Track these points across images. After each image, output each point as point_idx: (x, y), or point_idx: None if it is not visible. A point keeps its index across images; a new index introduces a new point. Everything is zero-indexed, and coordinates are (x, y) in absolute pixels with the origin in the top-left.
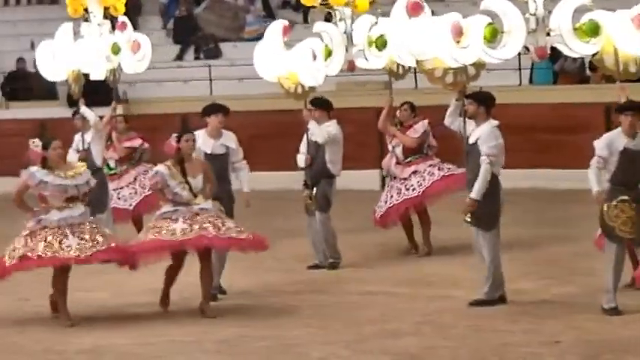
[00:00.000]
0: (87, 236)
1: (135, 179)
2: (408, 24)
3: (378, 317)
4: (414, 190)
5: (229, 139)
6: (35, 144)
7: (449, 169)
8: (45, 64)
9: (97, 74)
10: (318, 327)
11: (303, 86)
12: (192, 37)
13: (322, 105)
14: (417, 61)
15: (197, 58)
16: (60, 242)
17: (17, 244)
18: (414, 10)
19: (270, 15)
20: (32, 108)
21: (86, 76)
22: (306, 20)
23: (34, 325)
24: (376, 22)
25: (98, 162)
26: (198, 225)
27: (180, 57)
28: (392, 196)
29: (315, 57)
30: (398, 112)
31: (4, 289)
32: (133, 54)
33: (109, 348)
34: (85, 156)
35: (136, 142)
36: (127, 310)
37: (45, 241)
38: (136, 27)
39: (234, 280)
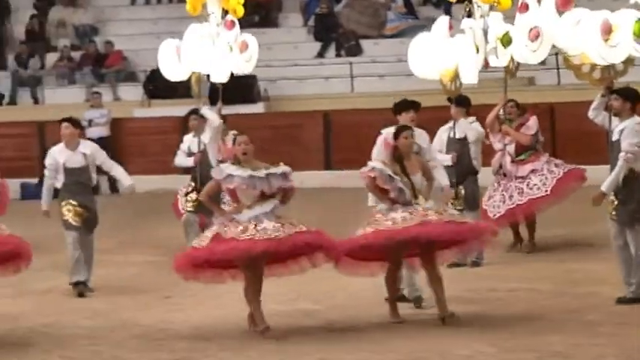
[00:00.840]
0: (282, 221)
1: None
2: (557, 19)
3: (523, 314)
4: (538, 189)
5: (422, 139)
6: (229, 139)
7: (564, 165)
8: (168, 64)
9: (219, 76)
10: (463, 324)
11: (458, 83)
12: (333, 34)
13: (464, 102)
14: (564, 58)
15: (338, 55)
16: (255, 226)
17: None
18: (564, 4)
19: (411, 12)
20: (173, 106)
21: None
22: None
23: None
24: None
25: (214, 164)
26: (419, 215)
27: (321, 54)
28: (512, 197)
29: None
30: (501, 111)
31: (149, 286)
32: (240, 54)
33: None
34: (202, 158)
35: None
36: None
37: (237, 228)
38: (276, 24)
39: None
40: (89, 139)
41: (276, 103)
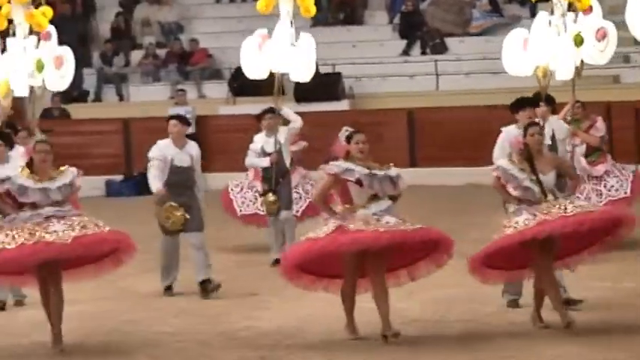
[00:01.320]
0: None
1: (297, 184)
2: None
3: (615, 314)
4: (617, 190)
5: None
6: (342, 136)
7: (623, 165)
8: (249, 62)
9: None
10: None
11: (549, 79)
12: (418, 32)
13: (551, 101)
14: None
15: (423, 53)
16: (378, 220)
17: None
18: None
19: (496, 10)
20: (258, 104)
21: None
22: (533, 15)
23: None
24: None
25: (288, 164)
26: (543, 215)
27: (406, 52)
28: (589, 198)
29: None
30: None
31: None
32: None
33: None
34: (277, 158)
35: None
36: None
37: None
38: (361, 22)
39: None
40: None
41: (361, 101)
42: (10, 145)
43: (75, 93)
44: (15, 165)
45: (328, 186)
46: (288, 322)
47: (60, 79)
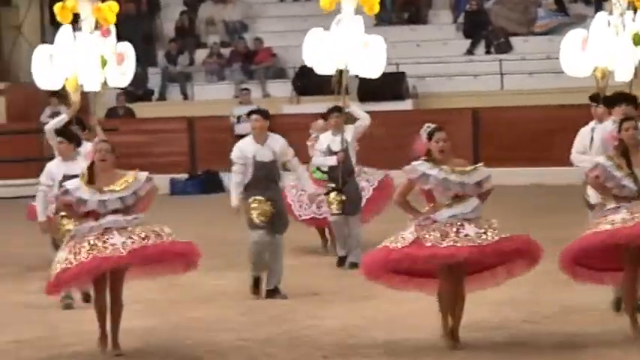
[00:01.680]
0: (485, 226)
1: None
2: None
3: None
4: None
5: None
6: (423, 133)
7: None
8: (312, 59)
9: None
10: None
11: (607, 80)
12: (482, 31)
13: (608, 102)
14: None
15: (488, 52)
16: (456, 232)
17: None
18: None
19: (561, 9)
20: (322, 102)
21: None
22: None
23: None
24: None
25: (354, 163)
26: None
27: (470, 51)
28: None
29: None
30: None
31: (297, 283)
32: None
33: None
34: (344, 157)
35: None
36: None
37: (437, 233)
38: (426, 21)
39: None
40: (238, 135)
41: (424, 100)
42: (78, 142)
43: (140, 92)
44: (82, 164)
45: (406, 189)
46: (352, 321)
47: (121, 75)
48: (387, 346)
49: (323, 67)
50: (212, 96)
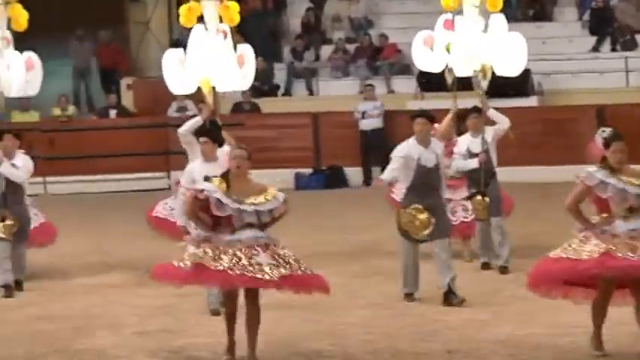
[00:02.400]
0: None
1: None
2: None
3: None
4: None
5: None
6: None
7: None
8: (420, 56)
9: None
10: None
11: None
12: (608, 28)
13: None
14: None
15: (613, 49)
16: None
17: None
18: None
19: None
20: (446, 99)
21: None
22: None
23: None
24: None
25: (495, 165)
26: None
27: (596, 48)
28: None
29: None
30: None
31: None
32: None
33: None
34: (485, 159)
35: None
36: None
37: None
38: (551, 18)
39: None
40: (362, 131)
41: (550, 97)
42: (221, 143)
43: (265, 87)
44: (221, 165)
45: (582, 196)
46: (477, 316)
47: (242, 79)
48: (511, 341)
49: (432, 66)
50: (337, 92)
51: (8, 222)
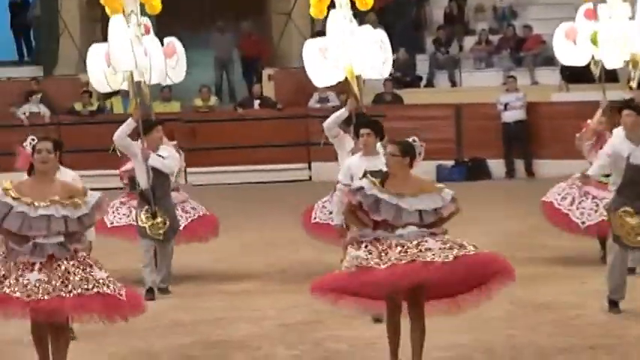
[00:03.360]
0: None
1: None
2: None
3: None
4: None
5: None
6: None
7: None
8: (563, 50)
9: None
10: None
11: None
12: None
13: None
14: None
15: None
16: None
17: None
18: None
19: None
20: (592, 91)
21: None
22: None
23: None
24: None
25: None
26: None
27: None
28: None
29: None
30: None
31: (564, 272)
32: None
33: None
34: None
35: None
36: None
37: None
38: None
39: None
40: (505, 123)
41: None
42: (381, 136)
43: (408, 78)
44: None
45: None
46: (620, 312)
47: (382, 65)
48: None
49: (576, 59)
50: (480, 83)
51: (159, 220)
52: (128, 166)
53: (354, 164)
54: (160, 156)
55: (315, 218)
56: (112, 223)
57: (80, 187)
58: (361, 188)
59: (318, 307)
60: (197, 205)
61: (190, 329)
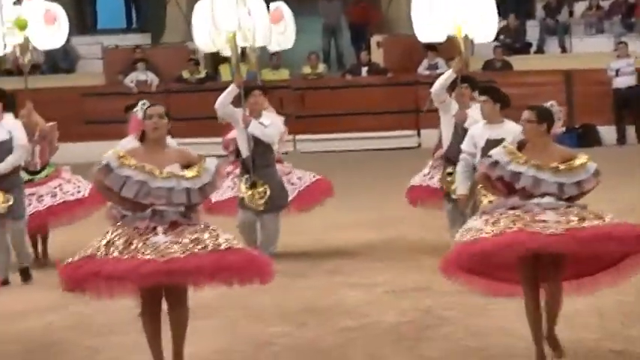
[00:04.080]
0: None
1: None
2: None
3: None
4: None
5: None
6: None
7: None
8: None
9: None
10: None
11: None
12: None
13: None
14: None
15: None
16: None
17: None
18: None
19: None
20: None
21: None
22: None
23: None
24: None
25: None
26: None
27: None
28: None
29: None
30: None
31: None
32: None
33: None
34: None
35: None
36: None
37: None
38: None
39: None
40: (616, 89)
41: None
42: (504, 102)
43: (517, 45)
44: (509, 127)
45: None
46: None
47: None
48: None
49: None
50: (590, 49)
51: (259, 189)
52: (232, 134)
53: (477, 133)
54: (261, 124)
55: (415, 183)
56: (215, 199)
57: (195, 154)
58: (496, 162)
59: (428, 274)
60: (303, 173)
61: (298, 295)
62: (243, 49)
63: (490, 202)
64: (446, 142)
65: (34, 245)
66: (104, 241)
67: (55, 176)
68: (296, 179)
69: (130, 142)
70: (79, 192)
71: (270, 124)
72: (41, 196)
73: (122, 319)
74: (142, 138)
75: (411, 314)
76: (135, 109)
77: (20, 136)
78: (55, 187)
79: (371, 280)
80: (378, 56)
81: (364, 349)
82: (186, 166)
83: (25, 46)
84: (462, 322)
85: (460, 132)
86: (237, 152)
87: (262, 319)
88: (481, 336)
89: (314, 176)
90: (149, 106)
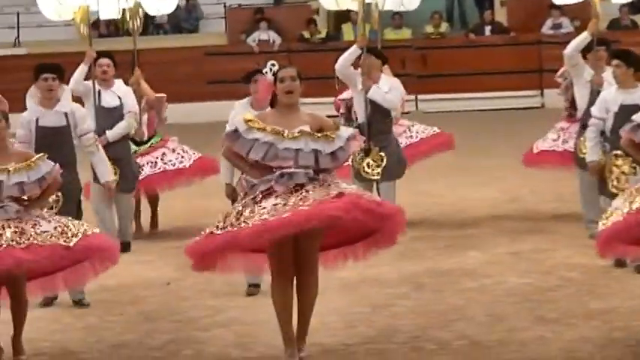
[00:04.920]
0: None
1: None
2: None
3: None
4: None
5: None
6: None
7: None
8: None
9: None
10: None
11: None
12: None
13: None
14: None
15: None
16: None
17: None
18: None
19: None
20: None
21: None
22: None
23: None
24: None
25: None
26: None
27: None
28: None
29: None
30: None
31: None
32: None
33: None
34: None
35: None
36: None
37: None
38: None
39: None
40: None
41: None
42: (636, 67)
43: None
44: None
45: None
46: None
47: None
48: None
49: None
50: None
51: (374, 156)
52: (345, 94)
53: (609, 98)
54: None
55: (537, 148)
56: None
57: (330, 121)
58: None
59: (550, 235)
60: (421, 129)
61: (418, 255)
62: (368, 5)
63: (623, 172)
64: (580, 107)
65: (136, 217)
66: (234, 212)
67: (160, 146)
68: (415, 132)
69: (245, 106)
70: (181, 162)
71: (391, 89)
72: (141, 166)
73: (243, 279)
74: (273, 103)
75: (533, 276)
76: (255, 77)
77: (131, 103)
78: (157, 157)
79: (491, 242)
80: (501, 15)
81: (484, 309)
82: (318, 131)
83: (134, 10)
84: (584, 284)
85: (597, 97)
86: (349, 113)
87: (380, 281)
88: (603, 298)
89: (434, 130)
90: (280, 68)
